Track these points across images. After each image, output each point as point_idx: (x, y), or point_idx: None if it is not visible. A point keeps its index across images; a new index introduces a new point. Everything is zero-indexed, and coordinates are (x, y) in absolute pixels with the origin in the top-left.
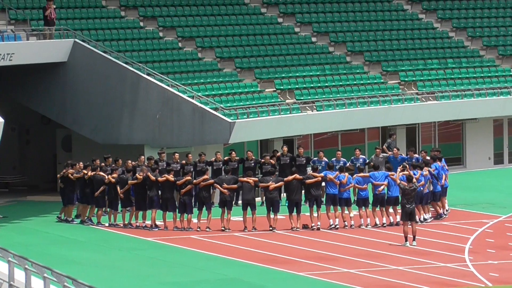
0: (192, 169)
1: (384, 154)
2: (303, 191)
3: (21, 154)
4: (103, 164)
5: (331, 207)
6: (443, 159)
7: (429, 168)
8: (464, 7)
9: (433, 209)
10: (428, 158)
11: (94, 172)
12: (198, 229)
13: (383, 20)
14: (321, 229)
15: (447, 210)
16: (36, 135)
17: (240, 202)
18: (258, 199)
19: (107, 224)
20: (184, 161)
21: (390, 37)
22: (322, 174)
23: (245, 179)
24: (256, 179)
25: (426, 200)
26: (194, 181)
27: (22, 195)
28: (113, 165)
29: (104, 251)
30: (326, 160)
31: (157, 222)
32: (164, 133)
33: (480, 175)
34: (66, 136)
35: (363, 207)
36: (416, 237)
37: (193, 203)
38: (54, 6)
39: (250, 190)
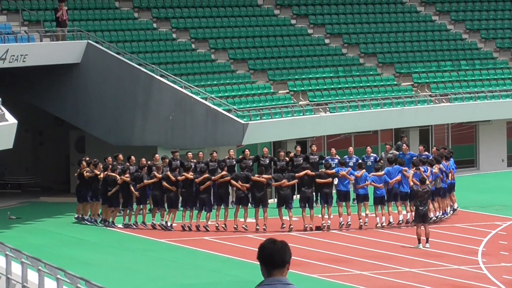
0: (204, 166)
1: (394, 152)
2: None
3: (34, 156)
4: (114, 162)
5: (343, 204)
6: (451, 159)
7: (439, 165)
8: (477, 9)
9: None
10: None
11: (106, 173)
12: (217, 226)
13: (396, 22)
14: (332, 230)
15: (455, 209)
16: (49, 136)
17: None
18: (271, 201)
19: (120, 225)
20: (195, 160)
21: (404, 39)
22: (334, 171)
23: (257, 177)
24: (269, 176)
25: (433, 197)
26: (213, 177)
27: (35, 196)
28: (127, 164)
29: (117, 253)
30: (339, 157)
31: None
32: (177, 134)
33: (493, 177)
34: (80, 137)
35: (379, 206)
36: (429, 239)
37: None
38: (66, 8)
39: (262, 188)
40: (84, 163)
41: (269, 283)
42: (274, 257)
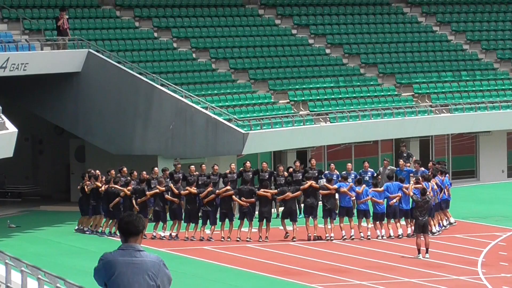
0: (207, 180)
1: (392, 167)
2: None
3: (34, 164)
4: (118, 175)
5: (345, 219)
6: (446, 174)
7: (436, 181)
8: (478, 19)
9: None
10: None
11: (108, 185)
12: (222, 239)
13: (397, 32)
14: (334, 241)
15: (450, 223)
16: (50, 145)
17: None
18: (273, 210)
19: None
20: (197, 173)
21: (404, 49)
22: (336, 186)
23: (262, 192)
24: (274, 191)
25: (433, 212)
26: (217, 191)
27: (35, 205)
28: (128, 177)
29: None
30: (338, 173)
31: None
32: (177, 144)
33: (494, 188)
34: (80, 146)
35: (378, 222)
36: (429, 249)
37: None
38: (67, 17)
39: (267, 203)
40: (86, 176)
41: (124, 248)
42: (129, 226)
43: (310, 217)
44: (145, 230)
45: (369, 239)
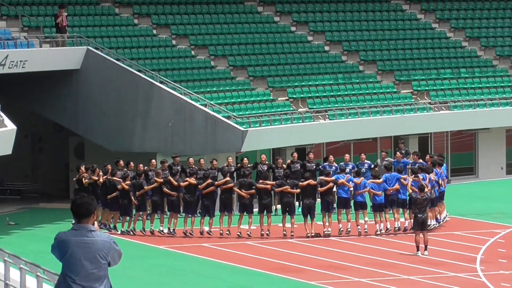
0: (207, 172)
1: (389, 159)
2: (318, 198)
3: (34, 162)
4: (115, 169)
5: (343, 211)
6: (443, 166)
7: (433, 174)
8: (477, 16)
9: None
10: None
11: (106, 176)
12: (221, 232)
13: (396, 29)
14: (331, 237)
15: (446, 216)
16: (49, 142)
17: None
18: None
19: (119, 232)
20: (196, 167)
21: (403, 46)
22: (333, 178)
23: (261, 183)
24: (273, 183)
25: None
26: (216, 182)
27: (34, 203)
28: (125, 169)
29: None
30: (336, 165)
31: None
32: (177, 141)
33: (492, 185)
34: (79, 144)
35: (378, 213)
36: (427, 246)
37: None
38: (66, 14)
39: (266, 194)
40: (82, 168)
41: (76, 228)
42: (81, 208)
43: (308, 216)
44: (96, 211)
45: (366, 232)
